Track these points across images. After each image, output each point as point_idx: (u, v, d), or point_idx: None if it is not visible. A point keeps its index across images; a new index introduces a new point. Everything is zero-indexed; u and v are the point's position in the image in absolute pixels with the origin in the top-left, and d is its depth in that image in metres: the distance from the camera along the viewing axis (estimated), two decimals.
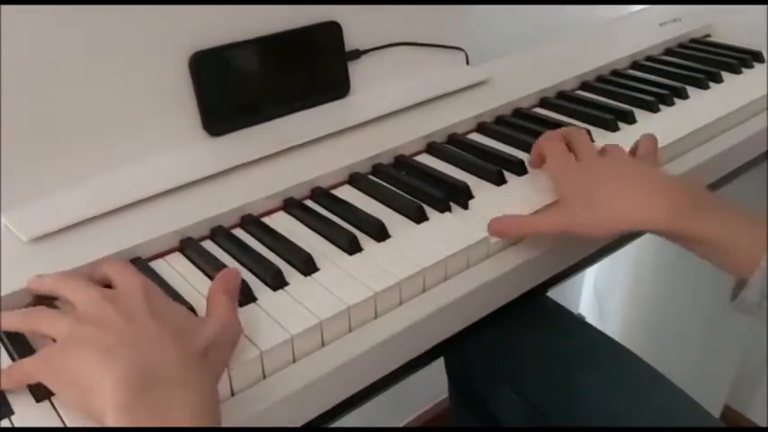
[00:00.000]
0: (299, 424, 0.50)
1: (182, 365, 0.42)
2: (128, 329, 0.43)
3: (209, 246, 0.59)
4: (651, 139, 0.66)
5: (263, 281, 0.54)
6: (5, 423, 0.43)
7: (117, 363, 0.41)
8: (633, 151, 0.66)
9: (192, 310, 0.51)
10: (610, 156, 0.63)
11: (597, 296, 1.45)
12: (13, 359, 0.48)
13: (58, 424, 0.43)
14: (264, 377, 0.48)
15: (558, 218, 0.60)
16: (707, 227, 0.56)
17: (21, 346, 0.48)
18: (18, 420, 0.44)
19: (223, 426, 0.43)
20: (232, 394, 0.47)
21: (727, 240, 0.56)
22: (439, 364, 0.84)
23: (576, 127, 0.71)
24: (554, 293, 0.78)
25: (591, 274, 1.44)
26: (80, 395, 0.41)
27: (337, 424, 0.56)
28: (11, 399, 0.45)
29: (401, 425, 1.37)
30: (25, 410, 0.44)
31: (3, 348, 0.49)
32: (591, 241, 0.64)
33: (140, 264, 0.56)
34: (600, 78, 0.89)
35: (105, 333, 0.43)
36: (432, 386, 1.26)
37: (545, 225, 0.60)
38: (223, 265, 0.55)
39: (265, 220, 0.62)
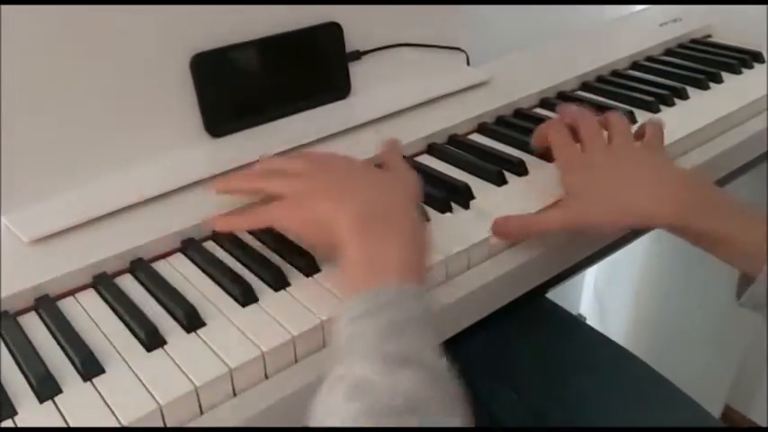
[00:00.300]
0: (298, 423, 0.50)
1: (399, 210, 0.52)
2: (349, 179, 0.54)
3: (210, 247, 0.59)
4: (657, 125, 0.65)
5: (264, 281, 0.54)
6: (8, 423, 0.44)
7: (350, 205, 0.50)
8: (639, 135, 0.65)
9: (196, 311, 0.51)
10: (617, 145, 0.63)
11: (597, 297, 1.45)
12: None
13: (60, 424, 0.43)
14: (267, 377, 0.48)
15: (564, 215, 0.59)
16: (715, 223, 0.56)
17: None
18: (21, 421, 0.44)
19: (223, 426, 0.44)
20: (234, 395, 0.47)
21: (735, 236, 0.56)
22: None
23: (581, 108, 0.68)
24: (554, 294, 0.78)
25: (591, 274, 1.44)
26: (318, 231, 0.51)
27: None
28: (13, 399, 0.45)
29: None
30: (28, 411, 0.44)
31: (3, 347, 0.49)
32: (599, 236, 0.64)
33: (142, 265, 0.56)
34: (600, 79, 0.89)
35: (332, 182, 0.54)
36: None
37: (552, 223, 0.60)
38: (225, 266, 0.55)
39: None
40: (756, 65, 0.91)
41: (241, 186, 0.61)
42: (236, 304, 0.52)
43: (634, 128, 0.66)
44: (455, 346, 0.61)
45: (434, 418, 0.40)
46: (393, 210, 0.51)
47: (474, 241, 0.58)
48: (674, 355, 1.10)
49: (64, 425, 0.43)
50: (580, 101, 0.83)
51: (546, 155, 0.69)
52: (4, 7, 0.56)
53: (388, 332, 0.43)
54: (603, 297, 1.44)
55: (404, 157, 0.71)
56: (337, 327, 0.45)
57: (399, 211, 0.52)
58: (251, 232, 0.61)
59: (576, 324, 0.79)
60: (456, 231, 0.60)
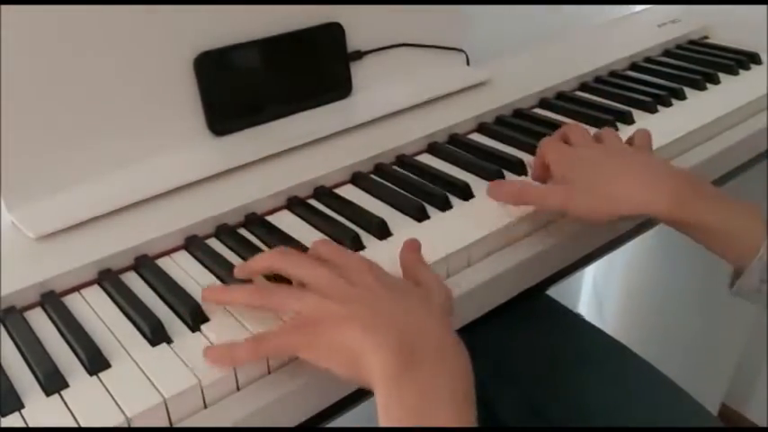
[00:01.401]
0: (296, 423, 0.51)
1: (440, 338, 0.44)
2: (379, 303, 0.45)
3: (213, 244, 0.60)
4: (646, 132, 0.66)
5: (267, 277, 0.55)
6: (15, 417, 0.44)
7: (383, 336, 0.42)
8: (629, 142, 0.66)
9: (199, 307, 0.51)
10: (607, 141, 0.64)
11: (596, 295, 1.46)
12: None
13: (68, 417, 0.44)
14: (269, 372, 0.49)
15: (559, 195, 0.60)
16: (707, 214, 0.57)
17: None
18: (28, 414, 0.44)
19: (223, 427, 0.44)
20: (238, 389, 0.48)
21: (726, 228, 0.57)
22: None
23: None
24: (553, 292, 0.79)
25: (590, 272, 1.45)
26: (346, 363, 0.44)
27: (336, 423, 0.57)
28: (21, 393, 0.46)
29: None
30: (35, 404, 0.45)
31: (10, 342, 0.50)
32: (591, 224, 0.64)
33: (146, 261, 0.57)
34: (598, 79, 0.90)
35: (361, 306, 0.45)
36: None
37: (547, 198, 0.60)
38: (228, 263, 0.56)
39: (269, 218, 0.63)
40: (754, 66, 0.92)
41: (246, 299, 0.50)
42: None
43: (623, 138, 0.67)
44: None
45: None
46: (432, 346, 0.44)
47: (474, 239, 0.59)
48: (672, 353, 1.11)
49: (70, 418, 0.44)
50: (579, 101, 0.84)
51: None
52: (5, 7, 0.57)
53: None
54: (602, 295, 1.45)
55: (404, 155, 0.72)
56: None
57: (439, 347, 0.44)
58: (254, 231, 0.61)
59: (575, 321, 0.80)
60: (456, 229, 0.60)
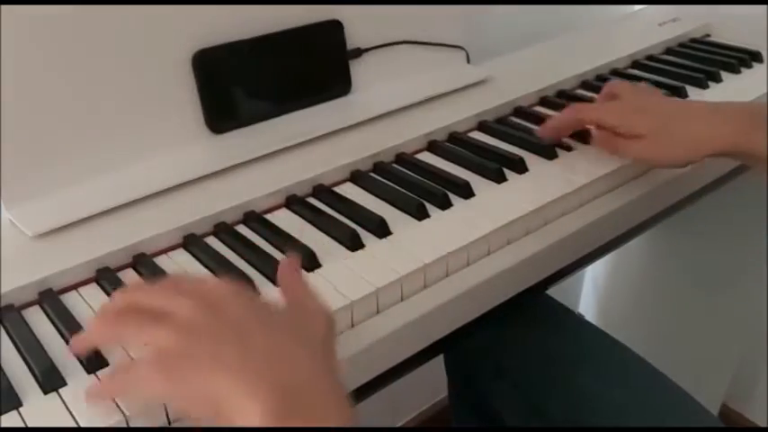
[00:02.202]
0: None
1: (318, 378, 0.40)
2: (249, 339, 0.39)
3: (212, 242, 0.60)
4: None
5: (266, 276, 0.55)
6: (13, 415, 0.44)
7: (255, 384, 0.37)
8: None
9: None
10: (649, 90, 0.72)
11: (596, 295, 1.46)
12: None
13: (65, 415, 0.44)
14: None
15: (637, 149, 0.65)
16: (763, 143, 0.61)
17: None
18: (26, 412, 0.44)
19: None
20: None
21: None
22: (438, 362, 0.84)
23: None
24: (554, 292, 0.79)
25: (590, 272, 1.44)
26: (215, 412, 0.38)
27: None
28: (18, 391, 0.45)
29: (400, 424, 1.37)
30: (33, 403, 0.45)
31: (7, 340, 0.50)
32: (669, 167, 0.69)
33: (144, 259, 0.57)
34: (600, 78, 0.89)
35: (229, 345, 0.39)
36: (431, 384, 1.27)
37: (628, 151, 0.66)
38: (226, 261, 0.56)
39: (268, 216, 0.63)
40: (755, 64, 0.92)
41: (99, 338, 0.45)
42: None
43: None
44: (455, 344, 0.62)
45: None
46: (308, 379, 0.39)
47: (474, 238, 0.59)
48: (673, 353, 1.10)
49: (69, 417, 0.44)
50: (580, 99, 0.83)
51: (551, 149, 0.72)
52: (4, 7, 0.57)
53: None
54: (603, 295, 1.44)
55: (404, 153, 0.72)
56: None
57: (315, 378, 0.40)
58: (253, 229, 0.61)
59: (576, 320, 0.80)
60: (456, 228, 0.60)
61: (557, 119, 0.72)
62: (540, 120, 0.78)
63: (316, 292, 0.46)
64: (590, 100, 0.83)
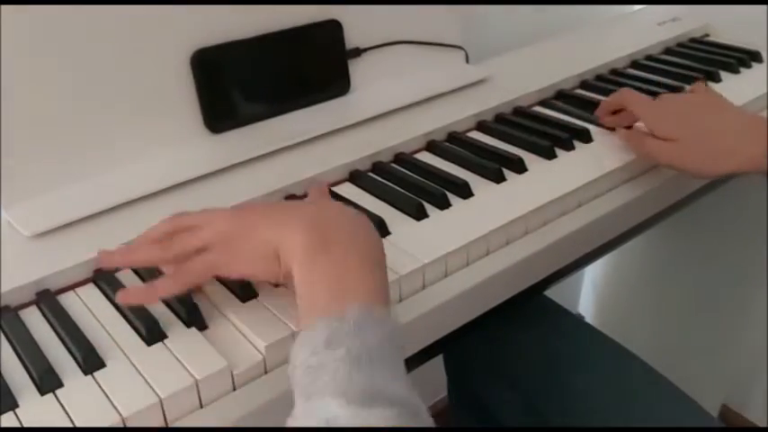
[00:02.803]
0: None
1: (347, 217, 0.48)
2: (281, 207, 0.51)
3: None
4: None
5: None
6: (9, 416, 0.44)
7: (295, 223, 0.45)
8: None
9: (197, 307, 0.51)
10: (692, 94, 0.73)
11: (595, 295, 1.46)
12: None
13: (62, 416, 0.43)
14: (266, 372, 0.49)
15: (669, 152, 0.65)
16: None
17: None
18: (22, 413, 0.44)
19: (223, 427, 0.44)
20: (234, 388, 0.47)
21: None
22: (438, 362, 0.84)
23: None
24: (552, 292, 0.79)
25: (589, 273, 1.44)
26: (267, 260, 0.46)
27: None
28: (15, 392, 0.45)
29: None
30: (30, 404, 0.45)
31: (4, 341, 0.49)
32: (694, 177, 0.69)
33: None
34: (599, 77, 0.89)
35: (264, 213, 0.48)
36: (430, 384, 1.26)
37: (660, 155, 0.66)
38: None
39: None
40: (755, 64, 0.92)
41: (149, 257, 0.51)
42: (237, 301, 0.52)
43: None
44: (454, 344, 0.61)
45: None
46: (345, 230, 0.47)
47: (473, 238, 0.58)
48: (672, 354, 1.10)
49: (65, 417, 0.43)
50: (580, 99, 0.83)
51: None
52: (5, 7, 0.56)
53: (353, 365, 0.39)
54: (601, 296, 1.44)
55: (403, 153, 0.72)
56: (297, 359, 0.41)
57: (352, 230, 0.47)
58: None
59: (574, 322, 0.80)
60: (455, 228, 0.60)
61: (605, 101, 0.76)
62: (540, 120, 0.78)
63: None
64: (589, 100, 0.83)
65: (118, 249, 0.52)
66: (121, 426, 0.43)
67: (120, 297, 0.48)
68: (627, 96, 0.73)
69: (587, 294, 1.47)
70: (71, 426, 0.43)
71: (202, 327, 0.50)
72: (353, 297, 0.42)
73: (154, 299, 0.50)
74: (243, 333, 0.50)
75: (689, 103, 0.71)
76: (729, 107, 0.69)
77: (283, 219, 0.47)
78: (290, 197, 0.65)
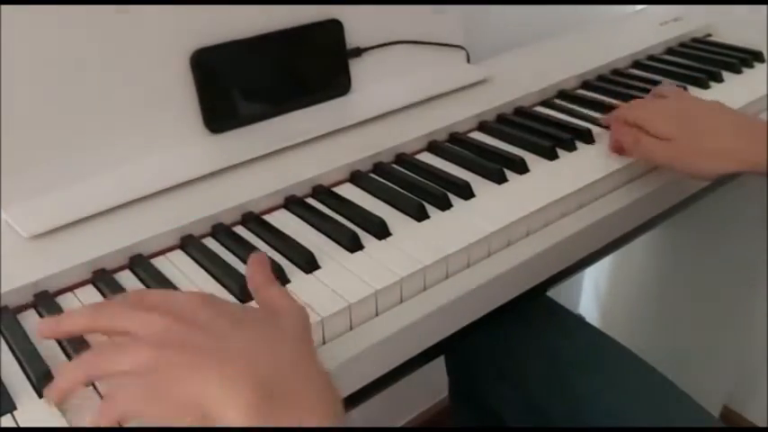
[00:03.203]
0: None
1: (298, 371, 0.40)
2: (224, 341, 0.39)
3: (210, 243, 0.59)
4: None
5: None
6: (8, 418, 0.43)
7: (236, 384, 0.37)
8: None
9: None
10: (691, 96, 0.73)
11: (597, 296, 1.45)
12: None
13: (60, 419, 0.43)
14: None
15: (666, 153, 0.65)
16: None
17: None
18: (20, 416, 0.44)
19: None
20: None
21: None
22: (439, 363, 0.84)
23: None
24: (553, 294, 0.78)
25: (591, 275, 1.44)
26: (199, 419, 0.37)
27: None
28: (13, 395, 0.45)
29: (401, 424, 1.37)
30: (28, 406, 0.44)
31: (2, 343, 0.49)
32: (693, 178, 0.68)
33: (141, 261, 0.56)
34: (601, 77, 0.89)
35: (204, 350, 0.39)
36: (432, 385, 1.26)
37: (656, 155, 0.65)
38: (224, 263, 0.55)
39: (267, 217, 0.62)
40: (757, 64, 0.91)
41: (72, 383, 0.41)
42: (235, 300, 0.52)
43: None
44: (455, 345, 0.61)
45: None
46: (296, 377, 0.39)
47: (474, 239, 0.58)
48: (673, 354, 1.10)
49: (63, 420, 0.43)
50: (581, 99, 0.83)
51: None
52: (5, 7, 0.56)
53: None
54: (603, 298, 1.44)
55: (404, 154, 0.71)
56: None
57: (304, 378, 0.40)
58: (252, 230, 0.60)
59: (577, 321, 0.80)
60: (456, 229, 0.59)
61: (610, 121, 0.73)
62: (542, 120, 0.78)
63: (287, 291, 0.46)
64: (591, 100, 0.82)
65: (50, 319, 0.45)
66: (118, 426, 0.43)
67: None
68: (623, 111, 0.71)
69: (588, 295, 1.47)
70: (69, 426, 0.43)
71: None
72: None
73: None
74: None
75: (686, 102, 0.70)
76: (725, 108, 0.68)
77: (220, 370, 0.38)
78: (291, 197, 0.64)
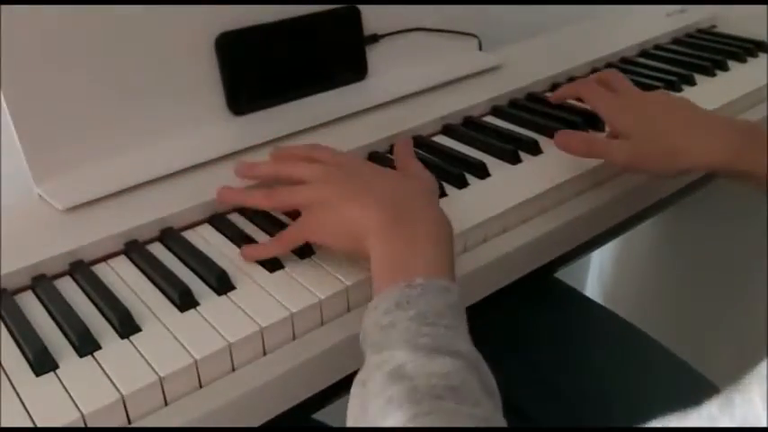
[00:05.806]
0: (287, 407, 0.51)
1: (422, 203, 0.53)
2: (372, 181, 0.54)
3: (235, 218, 0.61)
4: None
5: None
6: (51, 376, 0.46)
7: (376, 204, 0.51)
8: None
9: (226, 275, 0.53)
10: (653, 92, 0.69)
11: (602, 280, 1.47)
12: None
13: (101, 376, 0.45)
14: (264, 354, 0.51)
15: (623, 152, 0.62)
16: (761, 162, 0.58)
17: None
18: (63, 373, 0.46)
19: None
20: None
21: None
22: None
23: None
24: (561, 276, 0.80)
25: (597, 257, 1.45)
26: (350, 237, 0.51)
27: (336, 420, 0.57)
28: (55, 355, 0.47)
29: None
30: (69, 365, 0.47)
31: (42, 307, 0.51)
32: (655, 176, 0.66)
33: (171, 233, 0.59)
34: (610, 65, 0.91)
35: (356, 186, 0.53)
36: None
37: (613, 154, 0.62)
38: (248, 237, 0.58)
39: None
40: (761, 54, 0.93)
41: (255, 203, 0.59)
42: (264, 270, 0.55)
43: None
44: (468, 324, 0.62)
45: (471, 401, 0.40)
46: (417, 209, 0.51)
47: (490, 215, 0.60)
48: (678, 338, 1.11)
49: (105, 378, 0.45)
50: None
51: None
52: None
53: (419, 324, 0.43)
54: (609, 281, 1.45)
55: (420, 136, 0.73)
56: (370, 321, 0.45)
57: (423, 210, 0.52)
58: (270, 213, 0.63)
59: (586, 302, 0.81)
60: (473, 206, 0.62)
61: (562, 89, 0.75)
62: (552, 104, 0.79)
63: (422, 165, 0.60)
64: None
65: (234, 189, 0.60)
66: (159, 384, 0.45)
67: (245, 253, 0.56)
68: (583, 88, 0.70)
69: (594, 279, 1.48)
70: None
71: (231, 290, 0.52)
72: (422, 269, 0.47)
73: (256, 255, 0.56)
74: (275, 298, 0.52)
75: (648, 99, 0.67)
76: (689, 105, 0.65)
77: (367, 201, 0.51)
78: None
